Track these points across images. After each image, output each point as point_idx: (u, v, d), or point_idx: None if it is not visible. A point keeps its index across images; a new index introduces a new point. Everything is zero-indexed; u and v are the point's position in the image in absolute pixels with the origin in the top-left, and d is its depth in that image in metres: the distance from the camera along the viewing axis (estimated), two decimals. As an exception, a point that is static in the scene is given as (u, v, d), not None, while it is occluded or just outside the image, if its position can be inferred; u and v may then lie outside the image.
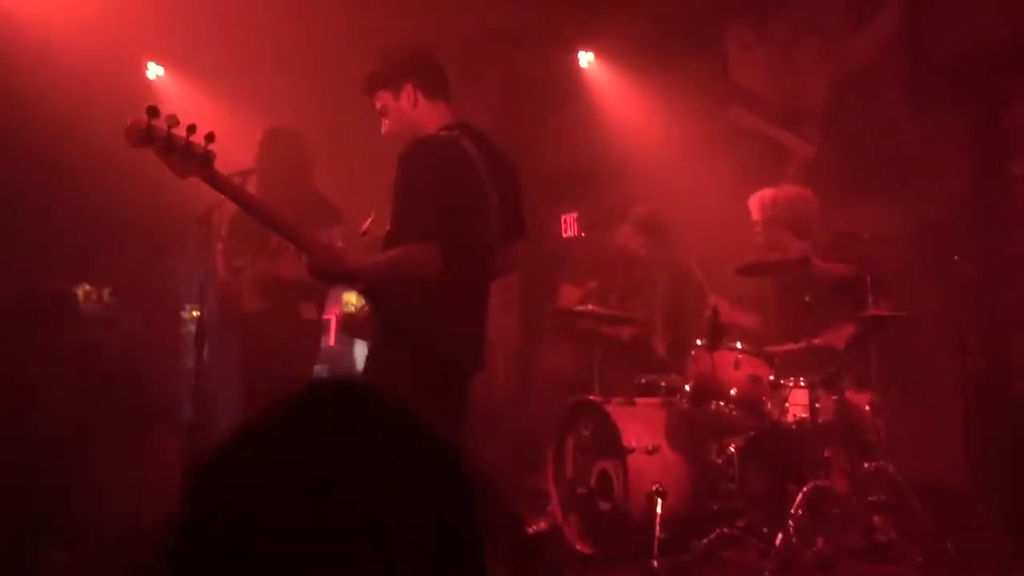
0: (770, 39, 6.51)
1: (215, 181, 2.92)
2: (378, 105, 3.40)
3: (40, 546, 4.68)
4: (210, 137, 2.87)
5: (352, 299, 7.84)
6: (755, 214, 4.93)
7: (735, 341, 4.46)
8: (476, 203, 3.23)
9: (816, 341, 4.29)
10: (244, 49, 6.55)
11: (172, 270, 6.68)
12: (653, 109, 6.82)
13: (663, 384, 4.94)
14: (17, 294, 6.06)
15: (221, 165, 5.09)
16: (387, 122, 3.39)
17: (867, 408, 4.30)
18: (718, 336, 4.41)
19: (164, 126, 2.76)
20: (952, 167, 5.36)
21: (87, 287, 6.74)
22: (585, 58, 7.24)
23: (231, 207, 4.74)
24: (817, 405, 4.20)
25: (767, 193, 4.93)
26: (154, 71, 6.86)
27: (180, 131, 2.78)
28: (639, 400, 4.75)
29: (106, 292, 6.80)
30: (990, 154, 5.23)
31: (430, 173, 3.14)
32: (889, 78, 5.73)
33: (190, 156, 2.82)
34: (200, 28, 6.28)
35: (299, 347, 4.84)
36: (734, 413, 4.37)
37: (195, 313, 7.14)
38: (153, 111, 2.81)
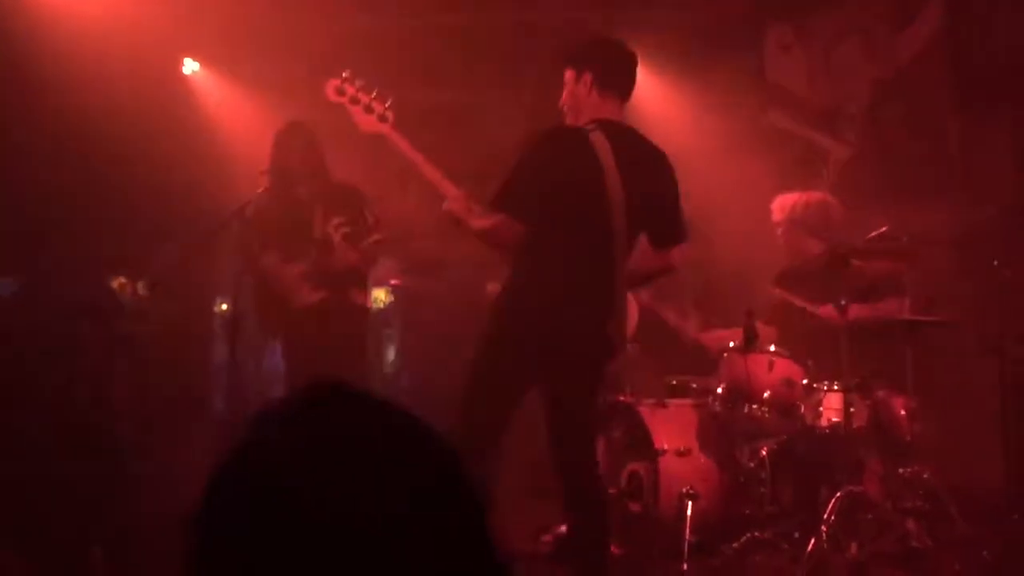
0: (810, 39, 6.44)
1: (393, 137, 3.48)
2: (564, 78, 3.56)
3: (83, 540, 4.73)
4: (388, 103, 3.54)
5: (381, 295, 7.91)
6: (776, 215, 4.92)
7: (769, 344, 4.41)
8: (585, 197, 3.34)
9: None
10: (279, 46, 6.59)
11: (206, 264, 6.73)
12: (691, 109, 6.77)
13: (694, 385, 4.90)
14: (73, 291, 6.15)
15: (253, 158, 5.15)
16: (564, 96, 3.55)
17: (902, 412, 4.24)
18: (752, 338, 4.37)
19: (353, 87, 3.49)
20: (993, 171, 5.27)
21: (122, 280, 6.81)
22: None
23: (263, 204, 4.82)
24: (852, 409, 4.14)
25: (789, 197, 4.93)
26: (190, 67, 6.91)
27: (366, 93, 3.48)
28: (670, 401, 4.71)
29: (140, 285, 6.86)
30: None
31: (537, 159, 3.39)
32: (930, 80, 5.65)
33: (371, 111, 3.48)
34: (235, 24, 6.32)
35: (352, 333, 4.92)
36: (767, 416, 4.32)
37: (224, 307, 7.25)
38: (346, 76, 3.55)
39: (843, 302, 4.19)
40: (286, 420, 0.95)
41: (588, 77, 3.48)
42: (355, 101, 3.47)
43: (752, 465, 4.30)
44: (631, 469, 4.50)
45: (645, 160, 3.48)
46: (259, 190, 4.84)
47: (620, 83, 3.52)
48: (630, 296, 3.74)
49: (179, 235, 6.44)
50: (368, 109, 3.46)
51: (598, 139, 3.35)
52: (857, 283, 4.26)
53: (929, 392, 4.38)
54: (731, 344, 4.49)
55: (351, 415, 0.95)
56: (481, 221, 3.38)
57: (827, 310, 4.40)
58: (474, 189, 3.85)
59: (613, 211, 3.32)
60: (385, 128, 3.44)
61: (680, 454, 4.36)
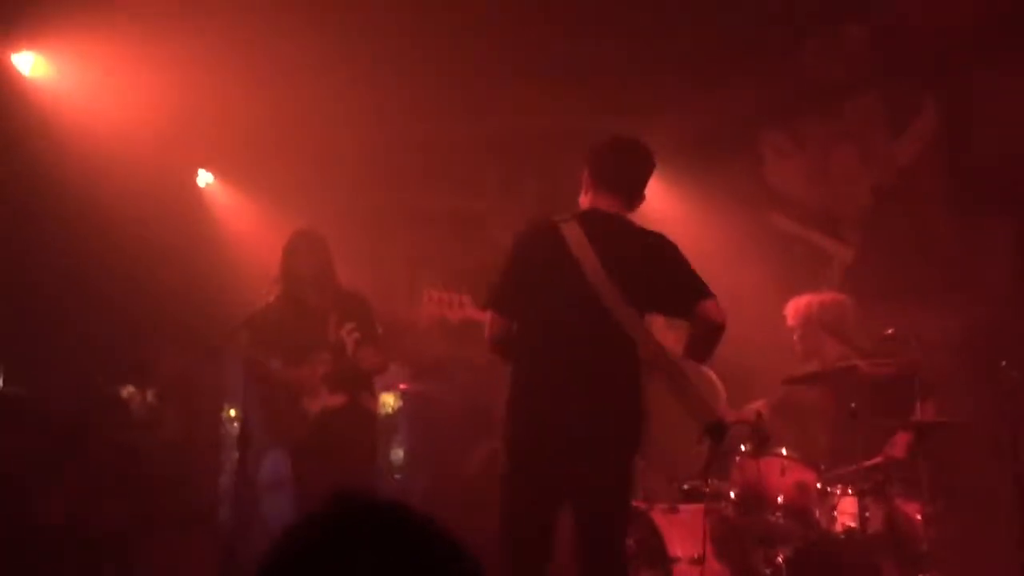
0: (806, 145, 6.58)
1: (475, 316, 3.86)
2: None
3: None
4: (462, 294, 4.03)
5: (390, 400, 7.90)
6: (791, 320, 4.94)
7: (780, 447, 4.40)
8: (562, 284, 3.40)
9: (877, 459, 4.23)
10: (291, 159, 6.74)
11: (214, 372, 6.76)
12: (692, 211, 6.87)
13: (707, 489, 4.86)
14: (73, 396, 6.16)
15: (263, 267, 5.22)
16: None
17: (918, 518, 4.20)
18: (763, 442, 4.36)
19: (438, 295, 3.99)
20: (995, 271, 5.33)
21: (131, 389, 6.83)
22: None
23: (273, 310, 4.89)
24: (867, 514, 4.11)
25: (803, 299, 4.95)
26: (204, 178, 7.06)
27: (448, 293, 3.99)
28: (683, 507, 4.66)
29: (150, 394, 6.88)
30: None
31: (511, 256, 3.57)
32: (929, 182, 5.76)
33: (453, 304, 3.97)
34: (249, 139, 6.49)
35: (363, 438, 5.00)
36: (781, 522, 4.28)
37: (232, 412, 7.24)
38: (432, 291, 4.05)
39: (852, 405, 4.20)
40: (318, 541, 0.97)
41: (586, 176, 3.64)
42: (443, 303, 4.02)
43: (768, 572, 4.24)
44: (645, 578, 4.44)
45: (627, 237, 3.52)
46: (270, 298, 4.92)
47: (609, 177, 3.58)
48: (711, 373, 3.67)
49: (189, 344, 6.50)
50: (451, 305, 4.01)
51: (569, 228, 3.45)
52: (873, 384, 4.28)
53: (944, 496, 4.34)
54: (743, 448, 4.47)
55: (380, 536, 0.97)
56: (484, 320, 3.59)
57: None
58: (474, 288, 4.10)
59: (597, 290, 3.35)
60: (466, 312, 3.97)
61: (694, 562, 4.30)
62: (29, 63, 5.76)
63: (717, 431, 3.32)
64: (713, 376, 3.57)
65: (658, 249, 3.54)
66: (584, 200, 3.62)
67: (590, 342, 3.36)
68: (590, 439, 3.29)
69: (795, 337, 4.87)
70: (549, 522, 3.33)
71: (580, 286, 3.36)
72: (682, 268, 3.53)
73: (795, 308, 4.89)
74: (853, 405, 4.19)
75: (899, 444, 4.43)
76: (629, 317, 3.35)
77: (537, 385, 3.39)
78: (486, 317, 3.56)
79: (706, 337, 3.48)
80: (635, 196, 3.64)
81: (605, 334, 3.34)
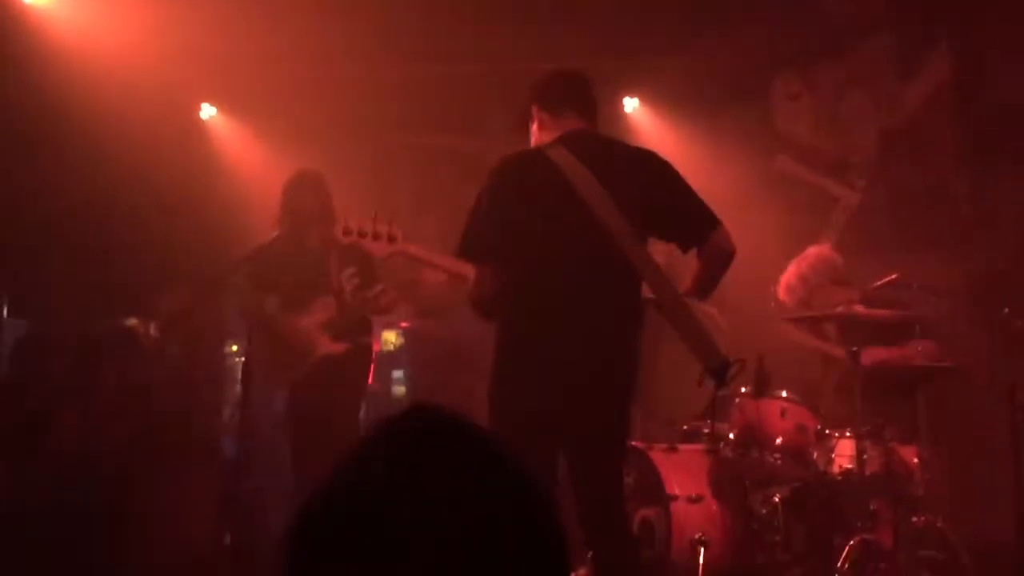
0: (817, 88, 6.51)
1: (406, 250, 3.50)
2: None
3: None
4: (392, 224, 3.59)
5: (391, 337, 7.93)
6: (790, 301, 4.91)
7: (781, 389, 4.42)
8: (558, 212, 3.10)
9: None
10: (295, 95, 6.68)
11: (215, 307, 6.77)
12: (698, 155, 6.81)
13: (706, 431, 4.89)
14: (83, 326, 6.18)
15: (266, 203, 5.20)
16: (532, 143, 3.40)
17: (915, 461, 4.23)
18: (764, 384, 4.37)
19: (356, 223, 3.50)
20: (1003, 219, 5.31)
21: (134, 321, 6.84)
22: (630, 103, 7.28)
23: (274, 250, 4.87)
24: (865, 456, 4.13)
25: (787, 276, 4.92)
26: (207, 112, 7.00)
27: (370, 223, 3.50)
28: (682, 447, 4.70)
29: (152, 327, 6.89)
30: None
31: (489, 195, 3.17)
32: (938, 129, 5.71)
33: (379, 238, 3.50)
34: (253, 73, 6.42)
35: (359, 377, 5.02)
36: (779, 463, 4.31)
37: (235, 347, 7.26)
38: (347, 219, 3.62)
39: (855, 348, 4.21)
40: (389, 449, 1.03)
41: (534, 111, 3.35)
42: (363, 234, 3.61)
43: (765, 512, 4.29)
44: (643, 515, 4.48)
45: (624, 158, 3.24)
46: (271, 236, 4.90)
47: (568, 97, 3.31)
48: (714, 312, 3.31)
49: (191, 277, 6.50)
50: (376, 236, 3.59)
51: (556, 153, 3.14)
52: (874, 328, 4.27)
53: (942, 441, 4.37)
54: (743, 390, 4.49)
55: (446, 447, 1.03)
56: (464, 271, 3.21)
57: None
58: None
59: (600, 214, 3.05)
60: (397, 247, 3.57)
61: (692, 500, 4.35)
62: (33, -7, 5.69)
63: (720, 372, 3.09)
64: (716, 314, 3.30)
65: (660, 170, 3.23)
66: (547, 133, 3.28)
67: (592, 278, 3.07)
68: (588, 386, 3.04)
69: (799, 303, 4.84)
70: (549, 467, 3.07)
71: (580, 214, 3.05)
72: (689, 192, 3.23)
73: (786, 288, 4.88)
74: (855, 349, 4.19)
75: (872, 355, 4.40)
76: (635, 248, 3.05)
77: (534, 330, 3.09)
78: (467, 269, 3.16)
79: (718, 268, 3.24)
80: (592, 112, 3.33)
81: (609, 267, 3.06)
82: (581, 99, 3.33)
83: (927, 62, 5.75)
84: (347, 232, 3.64)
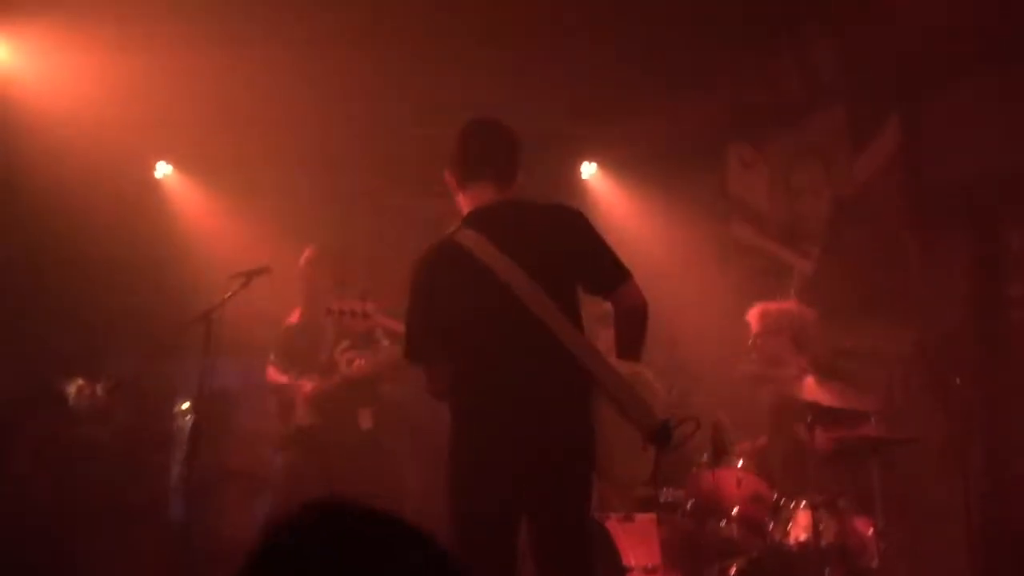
0: (770, 157, 6.62)
1: (380, 323, 4.30)
2: None
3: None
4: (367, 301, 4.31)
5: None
6: (755, 326, 4.93)
7: (737, 459, 4.41)
8: (477, 296, 3.08)
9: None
10: (251, 152, 6.65)
11: (167, 368, 6.66)
12: (654, 220, 6.90)
13: (661, 500, 4.86)
14: (11, 388, 6.03)
15: (228, 262, 5.20)
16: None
17: (870, 532, 4.23)
18: (720, 453, 4.37)
19: (337, 306, 4.28)
20: (952, 288, 5.39)
21: (80, 382, 6.70)
22: (588, 169, 7.35)
23: (234, 309, 4.85)
24: (820, 527, 4.13)
25: (769, 306, 4.97)
26: (162, 170, 6.94)
27: (349, 303, 4.27)
28: (637, 516, 4.67)
29: (99, 387, 6.75)
30: (989, 276, 5.27)
31: (412, 297, 3.21)
32: (889, 198, 5.81)
33: (356, 316, 4.24)
34: (206, 129, 6.38)
35: (356, 458, 4.97)
36: (735, 533, 4.29)
37: (184, 406, 7.13)
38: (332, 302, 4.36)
39: (809, 419, 4.22)
40: (297, 537, 1.03)
41: (447, 177, 3.31)
42: (343, 314, 4.23)
43: (721, 584, 4.25)
44: (598, 586, 4.42)
45: (534, 222, 3.19)
46: (228, 293, 4.85)
47: (479, 169, 3.22)
48: (648, 373, 3.23)
49: (142, 337, 6.39)
50: (353, 315, 4.23)
51: (464, 235, 3.11)
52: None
53: (896, 511, 4.38)
54: (703, 458, 4.48)
55: (355, 535, 1.03)
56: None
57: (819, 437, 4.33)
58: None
59: (513, 288, 3.02)
60: (371, 322, 4.28)
61: (648, 572, 4.31)
62: (-13, 48, 5.64)
63: (661, 435, 3.02)
64: (649, 375, 3.19)
65: (570, 223, 3.20)
66: (463, 204, 3.27)
67: (527, 358, 3.04)
68: (543, 462, 2.99)
69: (756, 342, 4.86)
70: (510, 536, 3.07)
71: (502, 297, 3.03)
72: (599, 243, 3.20)
73: (761, 314, 4.90)
74: (809, 419, 4.20)
75: (827, 438, 4.42)
76: (559, 322, 3.01)
77: (480, 415, 3.06)
78: (421, 370, 3.21)
79: (633, 322, 3.20)
80: (508, 176, 3.26)
81: (540, 345, 3.02)
82: (494, 167, 3.26)
83: (878, 134, 5.87)
84: (329, 312, 4.26)
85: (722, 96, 6.32)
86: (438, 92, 6.36)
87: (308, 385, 5.11)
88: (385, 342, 4.92)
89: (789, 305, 4.99)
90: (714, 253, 6.70)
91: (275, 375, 5.36)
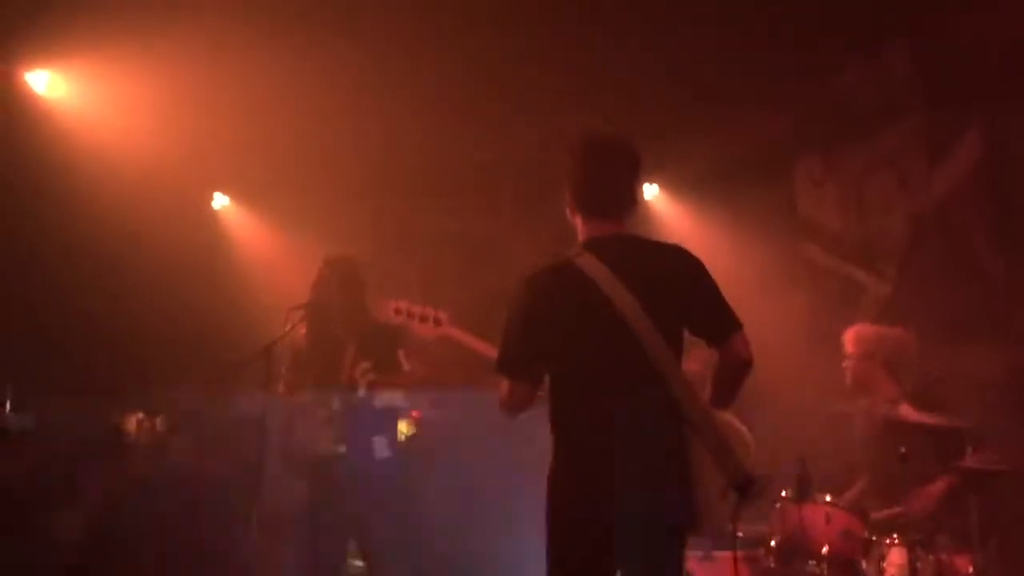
0: (841, 173, 6.39)
1: (452, 334, 3.88)
2: None
3: None
4: (438, 308, 3.99)
5: (403, 427, 7.73)
6: (850, 347, 4.71)
7: (825, 493, 4.18)
8: (592, 326, 3.01)
9: (907, 509, 4.03)
10: (307, 182, 6.61)
11: (229, 403, 6.59)
12: (720, 242, 6.69)
13: (741, 534, 4.63)
14: (69, 425, 6.00)
15: (280, 293, 5.06)
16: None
17: (970, 570, 3.98)
18: (806, 487, 4.14)
19: (406, 305, 3.93)
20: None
21: (140, 416, 6.65)
22: (650, 190, 7.18)
23: (288, 343, 4.73)
24: (917, 565, 3.88)
25: (867, 328, 4.77)
26: (219, 201, 6.92)
27: (419, 307, 3.93)
28: (717, 554, 4.44)
29: (159, 421, 6.71)
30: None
31: (515, 310, 3.10)
32: (970, 214, 5.55)
33: (426, 320, 3.90)
34: (265, 162, 6.36)
35: (371, 489, 4.72)
36: (826, 573, 4.06)
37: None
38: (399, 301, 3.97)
39: (902, 449, 4.00)
40: None
41: (568, 198, 3.21)
42: (412, 316, 3.92)
43: (811, 626, 4.03)
44: (679, 629, 4.21)
45: (655, 260, 3.11)
46: (287, 327, 4.73)
47: (599, 197, 3.14)
48: (738, 424, 3.20)
49: (202, 370, 6.33)
50: (424, 319, 3.91)
51: (586, 261, 3.04)
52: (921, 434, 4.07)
53: (996, 547, 4.12)
54: (784, 493, 4.26)
55: None
56: (501, 386, 3.16)
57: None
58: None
59: (633, 327, 2.94)
60: (443, 330, 3.89)
61: (732, 613, 4.08)
62: (44, 81, 5.64)
63: (744, 487, 3.00)
64: (743, 430, 3.21)
65: (688, 267, 3.13)
66: (576, 222, 3.21)
67: (633, 396, 2.96)
68: (641, 510, 2.90)
69: (848, 364, 4.64)
70: None
71: (618, 330, 2.96)
72: (714, 291, 3.13)
73: (858, 336, 4.68)
74: (903, 450, 3.97)
75: (932, 495, 4.22)
76: (670, 364, 2.97)
77: (584, 450, 2.99)
78: (501, 383, 3.13)
79: (736, 375, 3.14)
80: (630, 206, 3.20)
81: (647, 384, 2.96)
82: (617, 190, 3.17)
83: (957, 144, 5.62)
84: (398, 312, 3.93)
85: (789, 109, 6.11)
86: (497, 116, 6.26)
87: (326, 410, 4.81)
88: (407, 367, 4.75)
89: (890, 329, 4.75)
90: (784, 274, 6.46)
91: (287, 394, 4.96)
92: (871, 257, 6.17)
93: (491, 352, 3.39)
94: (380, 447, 4.80)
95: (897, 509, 4.13)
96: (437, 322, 3.88)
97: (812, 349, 5.61)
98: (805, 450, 4.46)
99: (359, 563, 5.15)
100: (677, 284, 3.07)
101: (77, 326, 6.10)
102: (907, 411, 4.05)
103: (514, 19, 5.42)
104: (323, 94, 5.84)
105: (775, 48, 5.51)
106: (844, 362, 4.67)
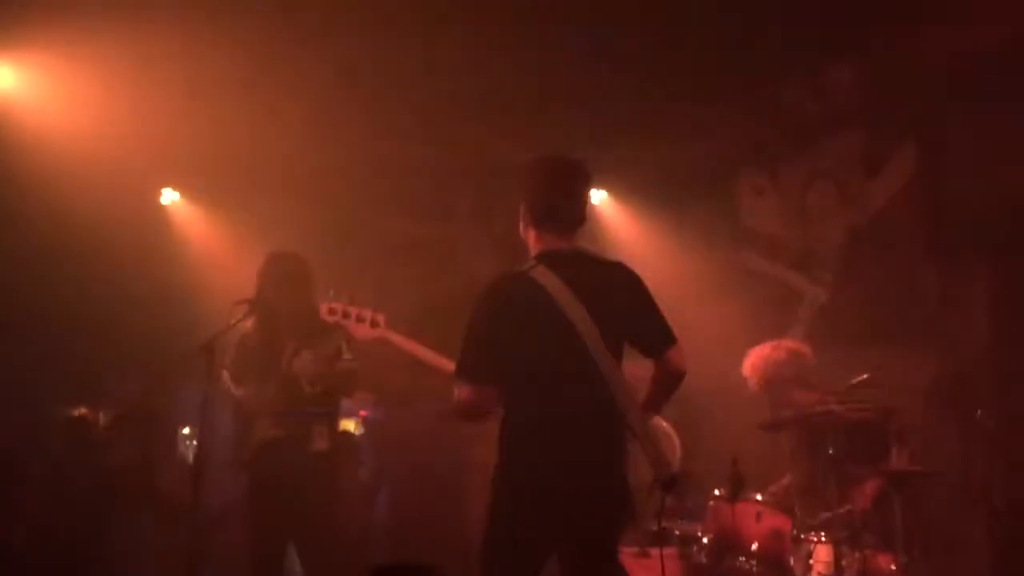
0: (783, 184, 6.55)
1: (389, 336, 3.89)
2: None
3: None
4: (376, 310, 3.99)
5: (350, 426, 7.74)
6: (752, 379, 4.86)
7: (756, 492, 4.31)
8: (546, 335, 3.18)
9: (841, 511, 4.16)
10: (258, 180, 6.61)
11: (171, 397, 6.57)
12: (664, 247, 6.82)
13: (677, 532, 4.76)
14: (13, 418, 5.96)
15: (232, 289, 5.07)
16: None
17: (892, 568, 4.12)
18: (738, 487, 4.27)
19: (342, 305, 3.92)
20: (971, 317, 5.31)
21: (83, 410, 6.62)
22: (598, 195, 7.28)
23: (234, 336, 4.74)
24: (843, 563, 4.02)
25: (760, 353, 4.88)
26: (169, 196, 6.90)
27: (356, 308, 3.92)
28: (653, 551, 4.55)
29: (102, 415, 6.68)
30: (1009, 306, 5.18)
31: (482, 318, 3.26)
32: (905, 224, 5.73)
33: (363, 321, 3.90)
34: (216, 158, 6.34)
35: (309, 481, 4.71)
36: (755, 570, 4.18)
37: (185, 431, 7.05)
38: (333, 295, 3.98)
39: (831, 451, 4.13)
40: None
41: (523, 210, 3.40)
42: (347, 316, 3.91)
43: (740, 621, 4.15)
44: (613, 624, 4.30)
45: (601, 276, 3.32)
46: (232, 321, 4.75)
47: (544, 208, 3.34)
48: (666, 426, 3.47)
49: (146, 365, 6.31)
50: (360, 320, 3.90)
51: (540, 272, 3.24)
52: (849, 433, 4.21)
53: (918, 546, 4.27)
54: (717, 492, 4.38)
55: None
56: (458, 392, 3.26)
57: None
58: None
59: (582, 335, 3.15)
60: (379, 332, 3.89)
61: (665, 609, 4.18)
62: (-7, 74, 5.60)
63: (669, 484, 3.22)
64: (672, 432, 3.48)
65: (630, 284, 3.35)
66: (529, 236, 3.40)
67: (582, 402, 3.16)
68: (582, 505, 3.11)
69: (760, 392, 4.79)
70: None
71: (569, 340, 3.16)
72: (654, 306, 3.35)
73: (752, 366, 4.83)
74: (831, 451, 4.11)
75: (867, 494, 4.37)
76: (613, 370, 3.19)
77: (531, 448, 3.17)
78: (457, 389, 3.24)
79: (669, 386, 3.36)
80: (581, 222, 3.41)
81: (595, 391, 3.16)
82: (566, 208, 3.37)
83: (893, 158, 5.80)
84: (332, 312, 3.91)
85: (733, 119, 6.25)
86: (451, 120, 6.32)
87: (266, 399, 4.77)
88: (348, 356, 4.72)
89: (784, 346, 4.89)
90: (725, 280, 6.60)
91: (231, 387, 4.94)
92: (810, 265, 6.33)
93: (429, 357, 3.64)
94: (319, 437, 4.81)
95: (841, 511, 4.24)
96: (374, 324, 3.90)
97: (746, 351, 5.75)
98: (738, 451, 4.60)
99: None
100: (621, 299, 3.29)
101: (18, 319, 6.05)
102: (836, 408, 4.19)
103: (468, 23, 5.49)
104: (278, 94, 5.85)
105: (722, 60, 5.63)
106: (753, 390, 4.81)
